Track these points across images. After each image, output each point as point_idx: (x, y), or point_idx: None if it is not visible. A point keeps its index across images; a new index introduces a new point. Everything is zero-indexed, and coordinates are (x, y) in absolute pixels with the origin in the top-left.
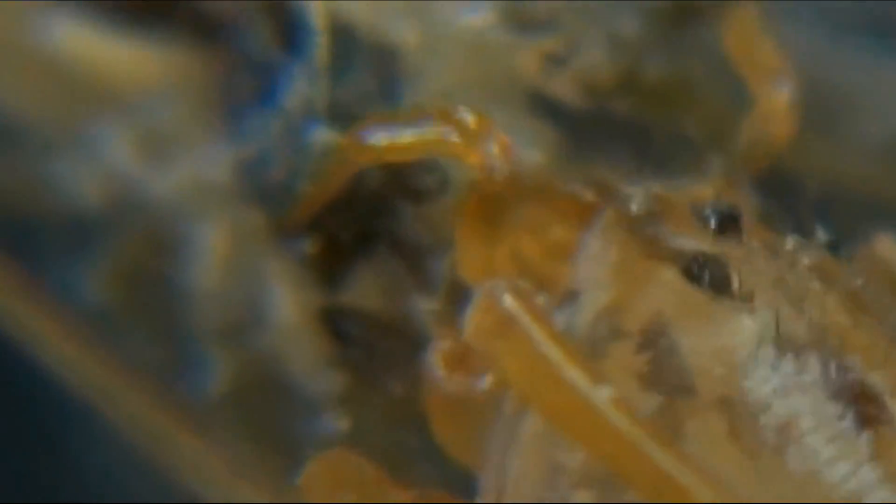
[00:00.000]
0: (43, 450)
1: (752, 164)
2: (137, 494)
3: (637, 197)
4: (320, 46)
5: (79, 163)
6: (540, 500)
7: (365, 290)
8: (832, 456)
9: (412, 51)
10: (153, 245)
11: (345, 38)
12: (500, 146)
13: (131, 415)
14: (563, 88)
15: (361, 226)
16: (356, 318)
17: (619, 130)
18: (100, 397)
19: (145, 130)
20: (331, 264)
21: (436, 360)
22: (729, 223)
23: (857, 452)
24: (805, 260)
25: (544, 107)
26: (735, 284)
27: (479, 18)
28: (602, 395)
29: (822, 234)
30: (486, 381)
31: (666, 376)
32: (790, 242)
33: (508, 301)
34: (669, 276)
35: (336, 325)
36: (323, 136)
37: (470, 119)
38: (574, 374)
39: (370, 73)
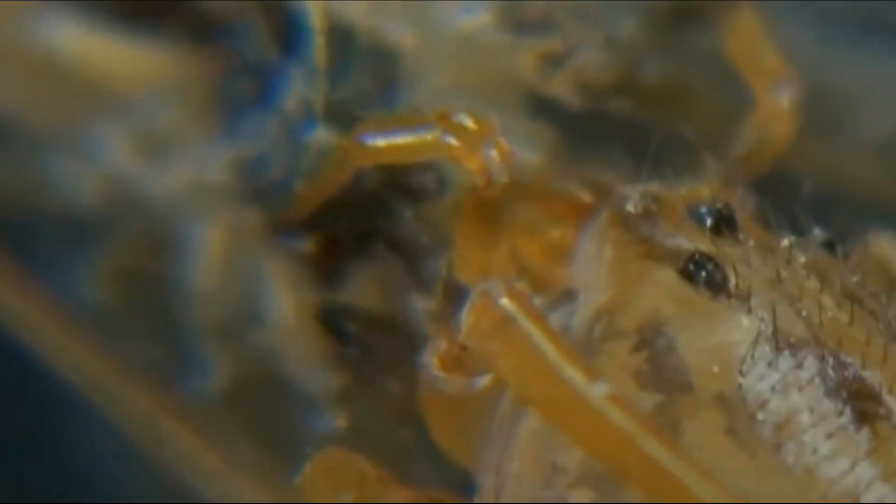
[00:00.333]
0: (42, 449)
1: (752, 167)
2: (135, 492)
3: (633, 197)
4: (318, 47)
5: (77, 162)
6: (538, 499)
7: (362, 289)
8: (830, 452)
9: (410, 52)
10: (151, 244)
11: (343, 39)
12: (501, 152)
13: (129, 413)
14: (561, 89)
15: (359, 225)
16: (353, 317)
17: (615, 131)
18: (98, 396)
19: (143, 130)
20: (328, 263)
21: (432, 360)
22: (725, 223)
23: (856, 448)
24: (801, 258)
25: (541, 107)
26: (731, 283)
27: (477, 20)
28: (599, 393)
29: (818, 233)
30: (483, 382)
31: (663, 375)
32: (786, 241)
33: (505, 301)
34: (666, 276)
35: (333, 323)
36: (320, 136)
37: (470, 123)
38: (571, 373)
39: (368, 73)
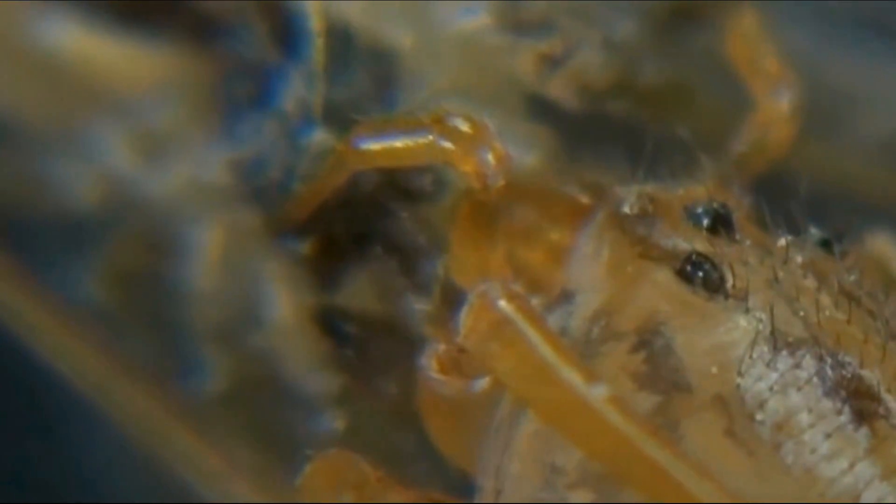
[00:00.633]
0: (42, 449)
1: (750, 169)
2: (135, 492)
3: (630, 198)
4: (317, 48)
5: (76, 163)
6: (537, 500)
7: (360, 290)
8: (829, 451)
9: (408, 53)
10: (150, 245)
11: (341, 40)
12: (496, 155)
13: (129, 413)
14: (559, 90)
15: (357, 227)
16: (351, 319)
17: (613, 132)
18: (98, 396)
19: (142, 131)
20: (326, 265)
21: (431, 362)
22: (721, 223)
23: (855, 447)
24: (798, 258)
25: (540, 109)
26: (729, 283)
27: (476, 21)
28: (597, 394)
29: (814, 232)
30: (482, 384)
31: (662, 375)
32: (783, 241)
33: (503, 303)
34: (663, 277)
35: (331, 325)
36: (319, 137)
37: (465, 126)
38: (569, 374)
39: (366, 75)
